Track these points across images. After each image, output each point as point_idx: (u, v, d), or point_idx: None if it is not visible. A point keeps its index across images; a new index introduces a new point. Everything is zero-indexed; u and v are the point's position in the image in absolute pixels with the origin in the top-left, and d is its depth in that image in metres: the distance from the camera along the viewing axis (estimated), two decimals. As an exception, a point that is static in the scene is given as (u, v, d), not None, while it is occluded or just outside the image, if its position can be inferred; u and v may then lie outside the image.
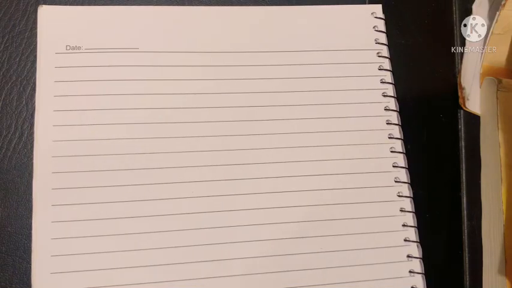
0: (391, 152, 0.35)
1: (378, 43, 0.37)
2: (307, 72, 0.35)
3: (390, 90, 0.36)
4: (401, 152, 0.35)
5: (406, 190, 0.35)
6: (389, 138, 0.35)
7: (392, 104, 0.36)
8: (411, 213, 0.34)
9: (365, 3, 0.38)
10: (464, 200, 0.36)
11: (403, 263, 0.34)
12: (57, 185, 0.31)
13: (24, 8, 0.34)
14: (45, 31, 0.33)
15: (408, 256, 0.34)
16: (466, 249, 0.36)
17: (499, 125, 0.34)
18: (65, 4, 0.34)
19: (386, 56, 0.36)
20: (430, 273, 0.34)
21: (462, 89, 0.37)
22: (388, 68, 0.36)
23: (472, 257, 0.35)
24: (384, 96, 0.36)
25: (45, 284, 0.30)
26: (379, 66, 0.36)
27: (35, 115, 0.32)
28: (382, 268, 0.33)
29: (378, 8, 0.37)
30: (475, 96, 0.37)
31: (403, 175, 0.35)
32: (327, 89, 0.35)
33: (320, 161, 0.34)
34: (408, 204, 0.34)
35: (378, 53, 0.36)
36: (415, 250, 0.34)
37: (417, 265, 0.34)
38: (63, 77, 0.33)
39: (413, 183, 0.35)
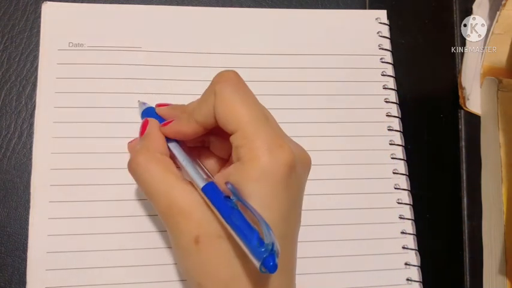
0: (392, 158, 0.35)
1: (382, 49, 0.36)
2: (309, 76, 0.35)
3: (392, 96, 0.36)
4: (401, 159, 0.35)
5: (405, 197, 0.34)
6: (390, 144, 0.35)
7: (394, 110, 0.36)
8: (410, 221, 0.34)
9: (365, 5, 0.37)
10: (465, 200, 0.36)
11: (401, 271, 0.33)
12: (55, 182, 0.31)
13: (23, 8, 0.34)
14: (48, 27, 0.33)
15: (406, 264, 0.34)
16: (466, 249, 0.36)
17: (500, 125, 0.34)
18: (68, 1, 0.34)
19: (390, 62, 0.36)
20: (430, 273, 0.34)
21: (462, 89, 0.37)
22: (391, 74, 0.36)
23: (472, 257, 0.35)
24: (386, 102, 0.36)
25: (40, 280, 0.30)
26: (382, 72, 0.36)
27: (35, 111, 0.32)
28: (379, 275, 0.33)
29: (382, 14, 0.37)
30: (475, 96, 0.37)
31: (403, 182, 0.35)
32: (328, 93, 0.35)
33: (319, 166, 0.34)
34: (407, 211, 0.34)
35: (381, 59, 0.36)
36: (413, 258, 0.34)
37: (415, 273, 0.34)
38: (65, 73, 0.33)
39: (414, 184, 0.35)
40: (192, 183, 0.25)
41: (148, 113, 0.30)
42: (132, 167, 0.26)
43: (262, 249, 0.20)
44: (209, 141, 0.29)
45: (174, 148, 0.27)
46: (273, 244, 0.21)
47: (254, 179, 0.23)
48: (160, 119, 0.29)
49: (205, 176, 0.25)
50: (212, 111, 0.25)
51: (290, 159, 0.24)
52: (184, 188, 0.25)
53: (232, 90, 0.25)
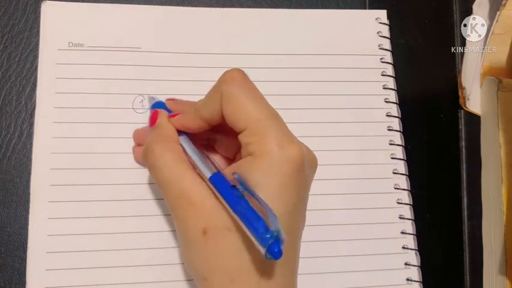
0: (392, 158, 0.35)
1: (382, 49, 0.36)
2: (309, 75, 0.35)
3: (392, 96, 0.36)
4: (401, 159, 0.35)
5: (405, 197, 0.34)
6: (390, 144, 0.35)
7: (394, 110, 0.36)
8: (410, 221, 0.34)
9: (365, 5, 0.37)
10: (465, 200, 0.36)
11: (401, 271, 0.33)
12: (55, 182, 0.31)
13: (23, 8, 0.34)
14: (48, 27, 0.33)
15: (406, 264, 0.34)
16: (466, 249, 0.36)
17: (500, 125, 0.34)
18: (68, 1, 0.34)
19: (390, 62, 0.36)
20: (430, 273, 0.34)
21: (463, 89, 0.37)
22: (391, 74, 0.36)
23: (472, 257, 0.35)
24: (386, 102, 0.36)
25: (40, 280, 0.30)
26: (382, 72, 0.36)
27: (35, 111, 0.32)
28: (379, 275, 0.33)
29: (382, 14, 0.37)
30: (475, 96, 0.37)
31: (403, 182, 0.35)
32: (328, 93, 0.35)
33: (319, 166, 0.34)
34: (407, 211, 0.34)
35: (381, 59, 0.36)
36: (413, 258, 0.34)
37: (415, 273, 0.34)
38: (65, 73, 0.33)
39: (414, 184, 0.35)
40: (202, 176, 0.25)
41: (158, 106, 0.30)
42: (147, 154, 0.27)
43: (268, 236, 0.21)
44: (215, 140, 0.29)
45: (184, 141, 0.28)
46: (278, 231, 0.21)
47: (263, 171, 0.24)
48: (169, 112, 0.29)
49: (213, 168, 0.25)
50: (217, 109, 0.25)
51: (300, 155, 0.24)
52: (194, 178, 0.25)
53: (239, 89, 0.25)
